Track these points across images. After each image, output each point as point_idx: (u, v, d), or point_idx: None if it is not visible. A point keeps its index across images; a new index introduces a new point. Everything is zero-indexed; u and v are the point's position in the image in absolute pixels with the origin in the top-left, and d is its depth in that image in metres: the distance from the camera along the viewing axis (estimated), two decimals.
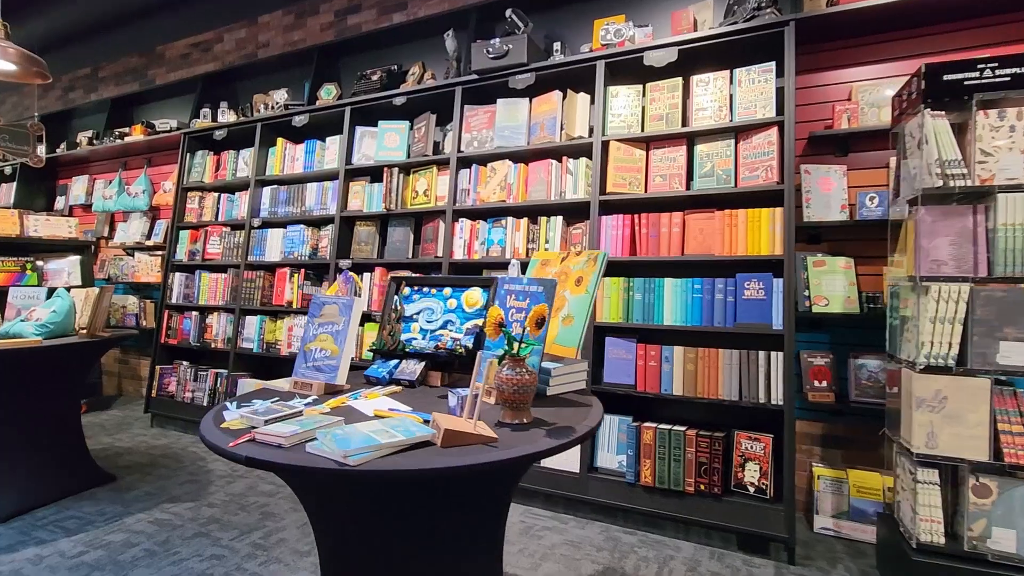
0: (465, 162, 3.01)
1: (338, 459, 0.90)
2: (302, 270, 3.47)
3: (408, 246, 3.19)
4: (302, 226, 3.50)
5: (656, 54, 2.50)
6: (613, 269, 2.56)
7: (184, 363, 3.87)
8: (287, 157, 3.69)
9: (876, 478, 2.25)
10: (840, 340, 2.45)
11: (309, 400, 1.35)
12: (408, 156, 3.23)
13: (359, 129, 3.37)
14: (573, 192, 2.69)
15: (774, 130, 2.28)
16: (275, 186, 3.73)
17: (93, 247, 4.41)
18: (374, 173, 3.36)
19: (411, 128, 3.28)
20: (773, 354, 2.20)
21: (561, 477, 2.50)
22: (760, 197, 2.34)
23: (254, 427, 1.05)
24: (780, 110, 2.30)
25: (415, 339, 1.68)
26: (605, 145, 2.59)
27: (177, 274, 4.00)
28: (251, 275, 3.67)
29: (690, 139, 2.51)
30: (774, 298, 2.21)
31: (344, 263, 3.26)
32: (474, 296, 1.65)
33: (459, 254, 2.93)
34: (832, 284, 2.34)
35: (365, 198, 3.34)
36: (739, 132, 2.38)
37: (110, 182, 4.79)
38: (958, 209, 1.80)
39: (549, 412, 1.28)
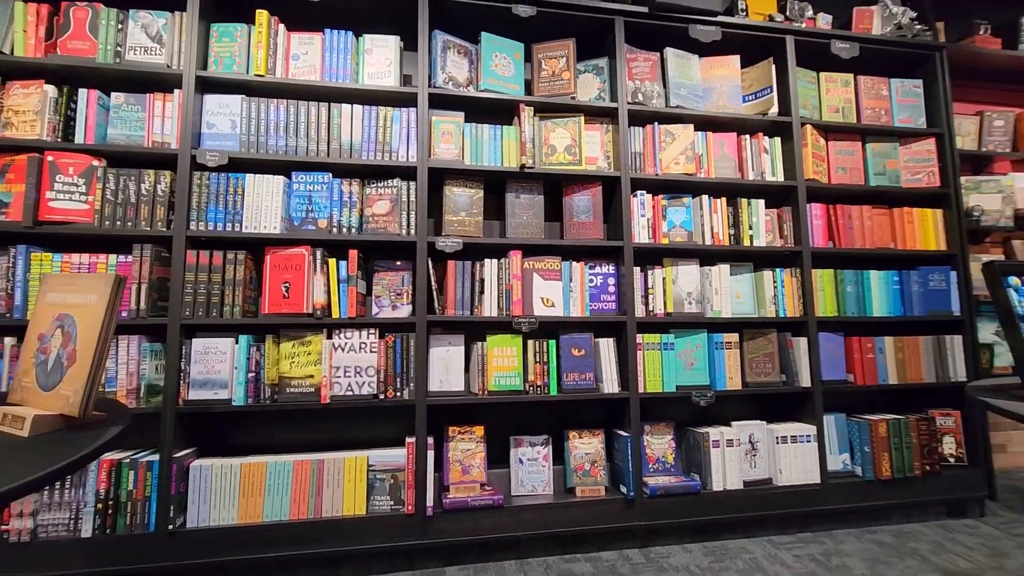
0: (636, 118, 2.31)
1: None
2: (351, 251, 2.00)
3: (540, 221, 2.23)
4: (328, 175, 2.02)
5: (843, 45, 2.49)
6: (819, 261, 2.42)
7: None
8: (278, 49, 2.06)
9: None
10: None
11: None
12: (529, 92, 2.27)
13: (440, 36, 2.17)
14: (772, 174, 2.41)
15: (932, 140, 2.58)
16: (255, 98, 2.03)
17: None
18: (472, 108, 2.23)
19: (528, 56, 2.31)
20: (955, 338, 2.49)
21: (797, 492, 2.22)
22: (925, 198, 2.60)
23: None
24: (932, 122, 2.61)
25: None
26: (801, 127, 2.42)
27: None
28: (207, 258, 1.91)
29: (862, 136, 2.59)
30: (951, 288, 2.51)
31: (447, 243, 2.05)
32: None
33: (641, 237, 2.24)
34: None
35: (467, 144, 2.18)
36: (901, 136, 2.60)
37: None
38: None
39: None
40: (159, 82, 1.98)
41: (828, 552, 2.11)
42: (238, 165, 1.99)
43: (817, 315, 2.35)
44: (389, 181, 2.08)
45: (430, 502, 1.93)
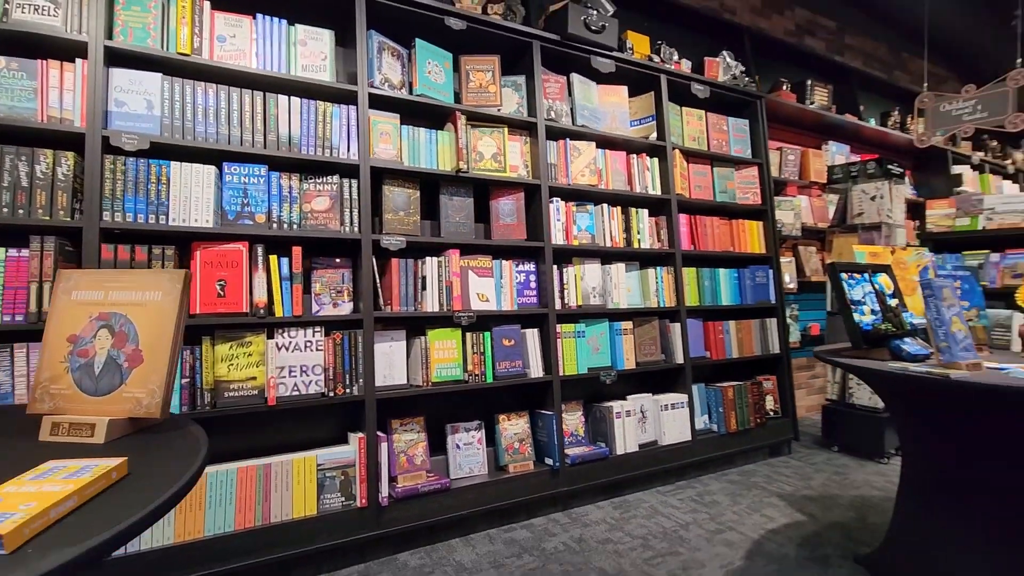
0: (550, 133, 2.59)
1: None
2: (294, 248, 1.94)
3: (471, 222, 2.39)
4: (265, 168, 1.95)
5: (699, 87, 3.08)
6: (686, 260, 2.97)
7: None
8: (204, 28, 1.90)
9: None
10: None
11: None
12: (457, 101, 2.42)
13: (375, 36, 2.20)
14: (652, 188, 2.90)
15: (756, 168, 3.33)
16: (178, 79, 1.84)
17: None
18: (407, 111, 2.29)
19: (456, 66, 2.45)
20: (772, 320, 3.26)
21: (676, 448, 2.74)
22: (752, 212, 3.34)
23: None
24: (755, 153, 3.37)
25: (867, 321, 1.81)
26: (672, 150, 2.95)
27: None
28: (127, 253, 1.70)
29: (711, 161, 3.22)
30: (770, 282, 3.28)
31: (391, 241, 2.12)
32: (887, 279, 1.95)
33: (557, 238, 2.54)
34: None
35: (404, 145, 2.24)
36: (736, 163, 3.31)
37: None
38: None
39: None
40: (54, 47, 1.70)
41: (701, 493, 2.65)
42: (161, 151, 1.80)
43: (686, 305, 2.90)
44: (328, 178, 2.06)
45: (385, 492, 1.99)
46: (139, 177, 1.75)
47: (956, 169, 4.65)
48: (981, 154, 5.02)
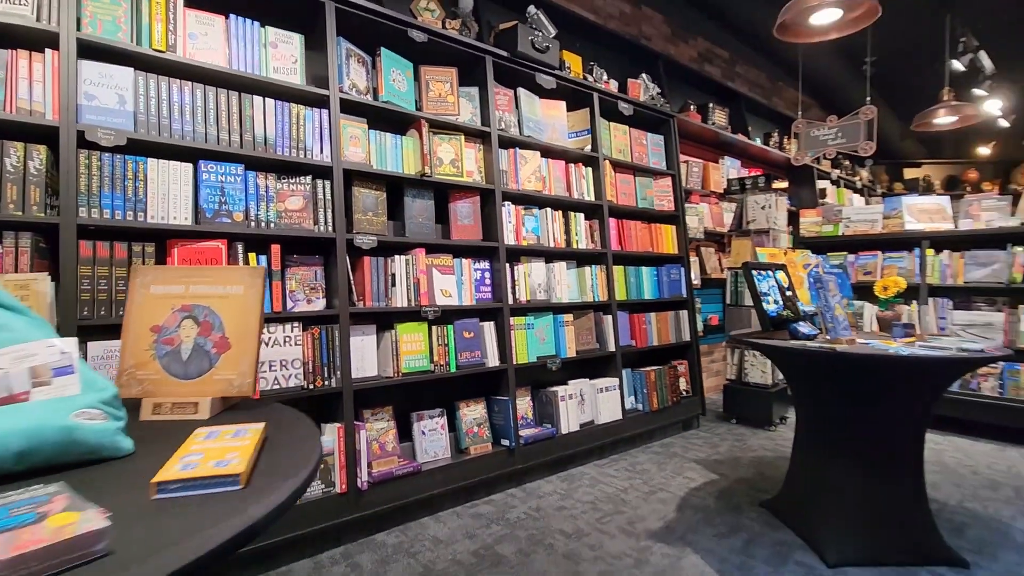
0: (501, 142, 2.82)
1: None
2: (273, 246, 1.99)
3: (432, 223, 2.56)
4: (241, 167, 1.99)
5: (625, 105, 3.47)
6: (616, 260, 3.34)
7: None
8: (178, 25, 1.90)
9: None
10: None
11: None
12: (418, 109, 2.57)
13: (343, 43, 2.30)
14: (587, 195, 3.22)
15: (670, 179, 3.80)
16: (152, 75, 1.82)
17: None
18: (374, 116, 2.40)
19: (416, 76, 2.59)
20: (684, 312, 3.74)
21: (610, 426, 3.10)
22: (666, 217, 3.80)
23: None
24: (669, 166, 3.83)
25: (772, 309, 2.25)
26: (603, 161, 3.30)
27: None
28: (106, 250, 1.68)
29: (634, 171, 3.62)
30: (682, 279, 3.76)
31: (364, 240, 2.23)
32: (784, 275, 2.41)
33: (508, 239, 2.77)
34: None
35: (372, 149, 2.35)
36: (654, 174, 3.74)
37: None
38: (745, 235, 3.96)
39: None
40: (24, 38, 1.63)
41: (632, 463, 3.02)
42: (137, 147, 1.79)
43: (616, 299, 3.26)
44: (301, 178, 2.13)
45: (364, 477, 2.11)
46: (115, 173, 1.73)
47: (820, 184, 5.53)
48: (837, 171, 5.99)
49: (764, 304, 2.18)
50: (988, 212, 3.59)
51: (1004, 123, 5.07)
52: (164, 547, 0.52)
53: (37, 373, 0.75)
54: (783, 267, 2.43)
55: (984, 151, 7.28)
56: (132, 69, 1.80)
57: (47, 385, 0.75)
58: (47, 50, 1.65)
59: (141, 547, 0.52)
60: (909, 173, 7.65)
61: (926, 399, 1.86)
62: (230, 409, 1.00)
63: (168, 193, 1.82)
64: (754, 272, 2.24)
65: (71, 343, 0.78)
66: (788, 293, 2.31)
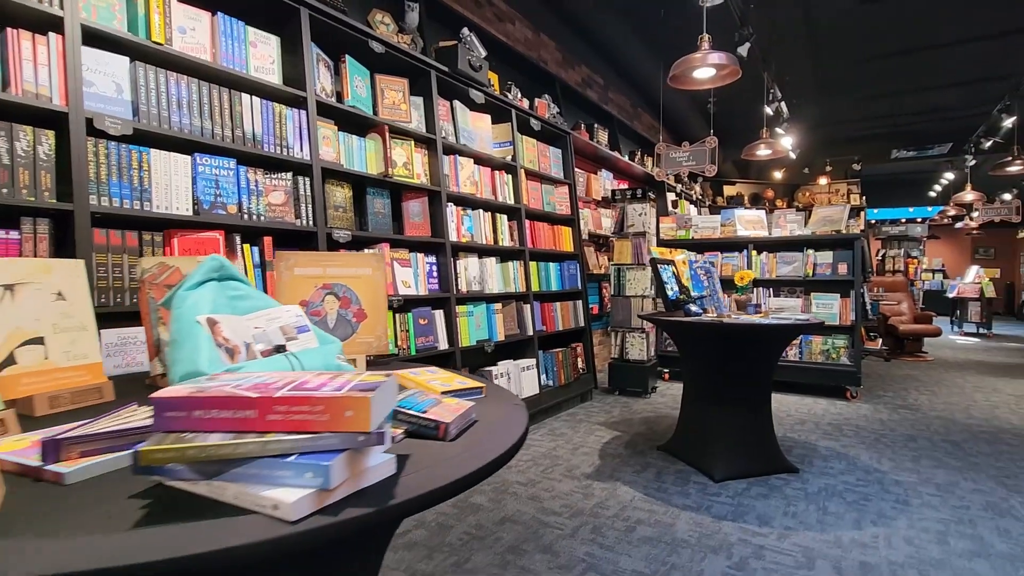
0: (446, 149, 3.13)
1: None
2: (265, 238, 2.10)
3: (390, 220, 2.79)
4: (233, 161, 2.08)
5: (535, 122, 3.98)
6: (531, 256, 3.83)
7: None
8: (172, 18, 1.92)
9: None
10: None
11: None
12: (375, 114, 2.78)
13: (314, 48, 2.45)
14: (508, 198, 3.67)
15: (567, 187, 4.41)
16: (150, 67, 1.82)
17: None
18: (341, 119, 2.57)
19: (372, 83, 2.79)
20: (579, 301, 4.39)
21: (531, 400, 3.59)
22: (565, 220, 4.40)
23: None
24: (566, 176, 4.44)
25: (671, 294, 2.91)
26: (521, 169, 3.78)
27: None
28: (118, 238, 1.70)
29: (541, 179, 4.15)
30: (578, 273, 4.40)
31: (341, 234, 2.42)
32: (675, 268, 3.10)
33: (452, 237, 3.11)
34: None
35: (342, 149, 2.53)
36: (555, 182, 4.32)
37: None
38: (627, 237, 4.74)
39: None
40: (25, 18, 1.58)
41: (552, 430, 3.55)
42: (138, 137, 1.80)
43: (532, 291, 3.76)
44: (283, 174, 2.26)
45: None
46: (122, 162, 1.74)
47: (670, 196, 6.67)
48: (680, 185, 7.24)
49: (667, 290, 2.83)
50: (791, 223, 4.81)
51: (792, 155, 6.67)
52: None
53: (285, 331, 0.98)
54: (673, 262, 3.14)
55: (778, 175, 9.30)
56: (127, 59, 1.81)
57: (295, 340, 0.99)
58: (50, 33, 1.62)
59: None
60: (728, 190, 9.42)
61: (776, 354, 2.66)
62: (372, 364, 1.26)
63: (170, 184, 1.86)
64: (659, 266, 2.89)
65: (298, 309, 1.02)
66: (683, 281, 3.01)
